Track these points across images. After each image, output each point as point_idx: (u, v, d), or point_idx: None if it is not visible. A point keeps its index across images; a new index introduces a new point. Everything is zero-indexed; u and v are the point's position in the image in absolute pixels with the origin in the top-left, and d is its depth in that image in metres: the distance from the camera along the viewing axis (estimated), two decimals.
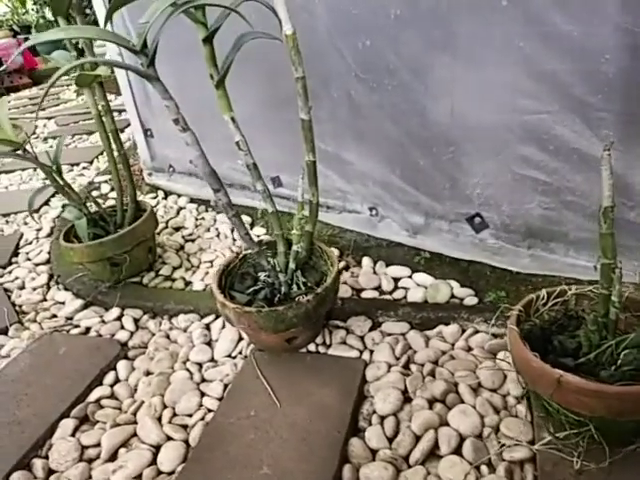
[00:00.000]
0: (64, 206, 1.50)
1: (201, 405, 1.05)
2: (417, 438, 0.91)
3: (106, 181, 2.26)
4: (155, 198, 2.02)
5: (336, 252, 1.49)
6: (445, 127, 1.22)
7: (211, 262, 1.57)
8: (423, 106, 1.22)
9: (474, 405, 0.96)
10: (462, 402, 0.97)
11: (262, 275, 1.16)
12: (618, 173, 1.02)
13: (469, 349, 1.09)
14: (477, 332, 1.13)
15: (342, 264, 1.44)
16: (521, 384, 0.97)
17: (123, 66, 1.54)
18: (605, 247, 0.83)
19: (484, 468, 0.84)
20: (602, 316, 0.87)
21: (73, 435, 1.02)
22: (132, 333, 1.30)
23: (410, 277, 1.35)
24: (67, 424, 1.03)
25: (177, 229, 1.77)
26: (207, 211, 1.88)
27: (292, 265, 1.14)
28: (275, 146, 1.65)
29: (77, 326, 1.35)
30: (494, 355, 1.06)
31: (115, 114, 1.64)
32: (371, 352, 1.12)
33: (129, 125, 2.41)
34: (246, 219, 1.74)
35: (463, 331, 1.14)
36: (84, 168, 2.57)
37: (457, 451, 0.88)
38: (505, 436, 0.89)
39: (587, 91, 0.99)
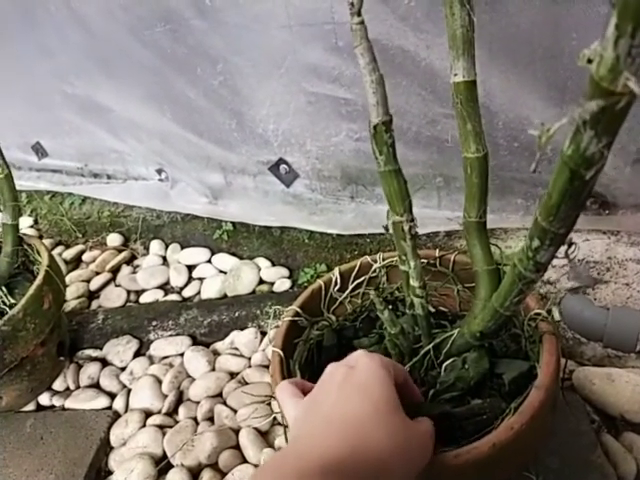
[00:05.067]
0: None
1: None
2: None
3: None
4: None
5: (119, 239, 1.08)
6: (201, 33, 0.80)
7: None
8: (163, 5, 0.80)
9: (259, 463, 0.61)
10: (244, 461, 0.63)
11: None
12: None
13: (269, 364, 0.74)
14: None
15: (123, 255, 1.03)
16: None
17: None
18: (390, 194, 0.48)
19: None
20: (409, 307, 0.53)
21: None
22: None
23: (209, 261, 0.97)
24: None
25: None
26: None
27: None
28: (26, 98, 1.17)
29: None
30: None
31: None
32: (129, 393, 0.74)
33: None
34: None
35: (263, 336, 0.78)
36: None
37: None
38: None
39: None
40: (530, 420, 0.38)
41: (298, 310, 0.57)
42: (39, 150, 1.22)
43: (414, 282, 0.48)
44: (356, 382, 0.34)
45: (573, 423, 0.56)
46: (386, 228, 0.51)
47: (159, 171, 1.07)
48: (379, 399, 0.33)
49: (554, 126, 0.27)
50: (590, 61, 0.25)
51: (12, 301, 0.75)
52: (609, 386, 0.59)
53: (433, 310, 0.60)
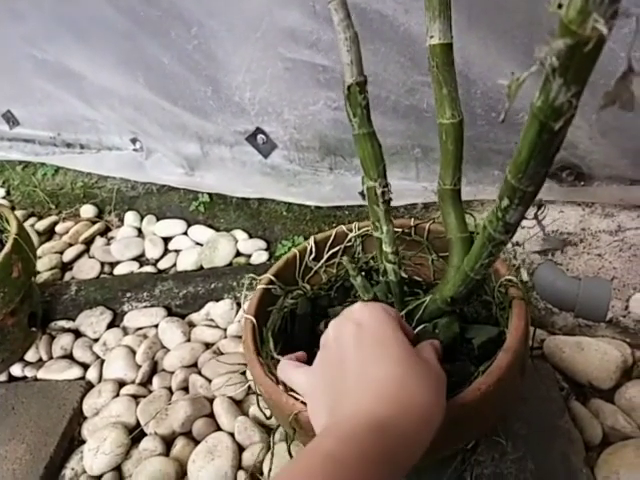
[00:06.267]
0: None
1: None
2: None
3: None
4: None
5: (93, 211, 1.05)
6: None
7: None
8: None
9: (232, 431, 0.61)
10: (217, 429, 0.63)
11: None
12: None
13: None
14: None
15: (97, 226, 1.01)
16: None
17: None
18: (364, 158, 0.47)
19: None
20: (382, 274, 0.53)
21: None
22: None
23: (185, 233, 0.95)
24: None
25: None
26: None
27: None
28: None
29: None
30: None
31: None
32: (102, 364, 0.73)
33: None
34: None
35: (239, 307, 0.78)
36: None
37: None
38: None
39: None
40: (497, 382, 0.39)
41: (272, 278, 0.56)
42: (10, 119, 1.17)
43: (387, 248, 0.48)
44: (371, 339, 0.34)
45: (542, 390, 0.57)
46: (362, 194, 0.50)
47: (133, 140, 1.04)
48: (399, 351, 0.33)
49: (523, 74, 0.26)
50: (560, 6, 0.24)
51: None
52: (578, 354, 0.60)
53: (407, 279, 0.60)
